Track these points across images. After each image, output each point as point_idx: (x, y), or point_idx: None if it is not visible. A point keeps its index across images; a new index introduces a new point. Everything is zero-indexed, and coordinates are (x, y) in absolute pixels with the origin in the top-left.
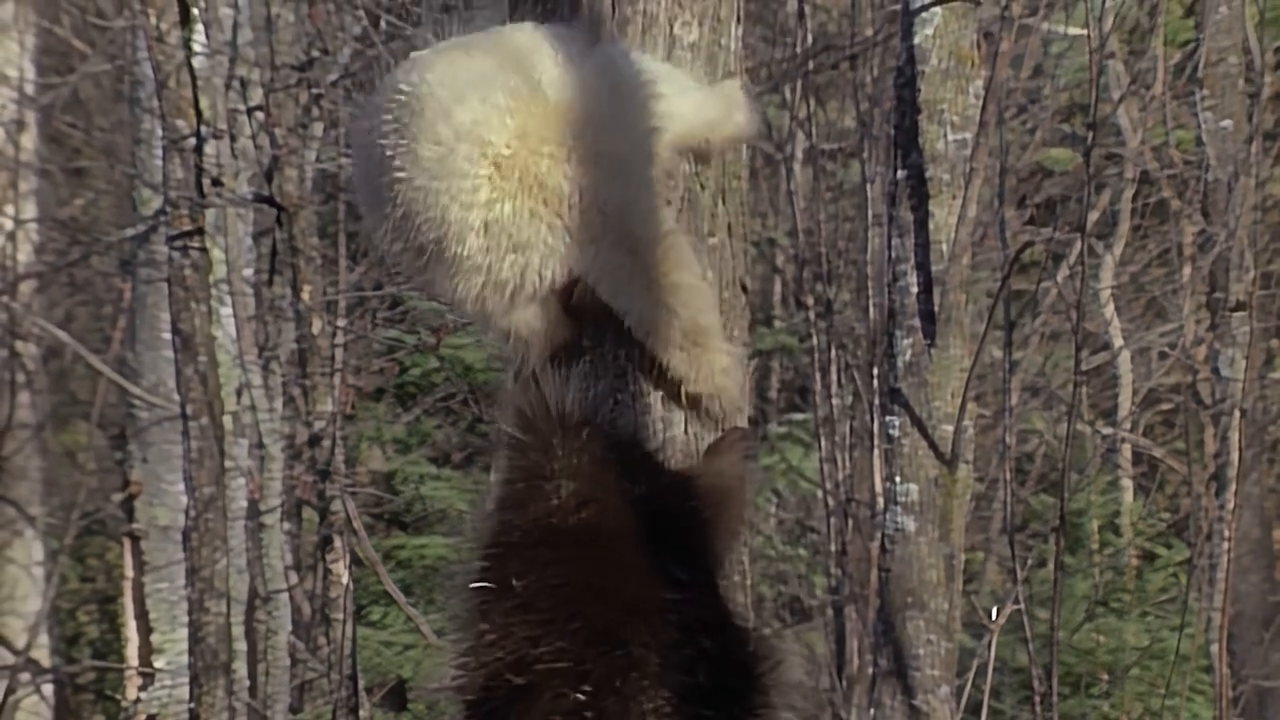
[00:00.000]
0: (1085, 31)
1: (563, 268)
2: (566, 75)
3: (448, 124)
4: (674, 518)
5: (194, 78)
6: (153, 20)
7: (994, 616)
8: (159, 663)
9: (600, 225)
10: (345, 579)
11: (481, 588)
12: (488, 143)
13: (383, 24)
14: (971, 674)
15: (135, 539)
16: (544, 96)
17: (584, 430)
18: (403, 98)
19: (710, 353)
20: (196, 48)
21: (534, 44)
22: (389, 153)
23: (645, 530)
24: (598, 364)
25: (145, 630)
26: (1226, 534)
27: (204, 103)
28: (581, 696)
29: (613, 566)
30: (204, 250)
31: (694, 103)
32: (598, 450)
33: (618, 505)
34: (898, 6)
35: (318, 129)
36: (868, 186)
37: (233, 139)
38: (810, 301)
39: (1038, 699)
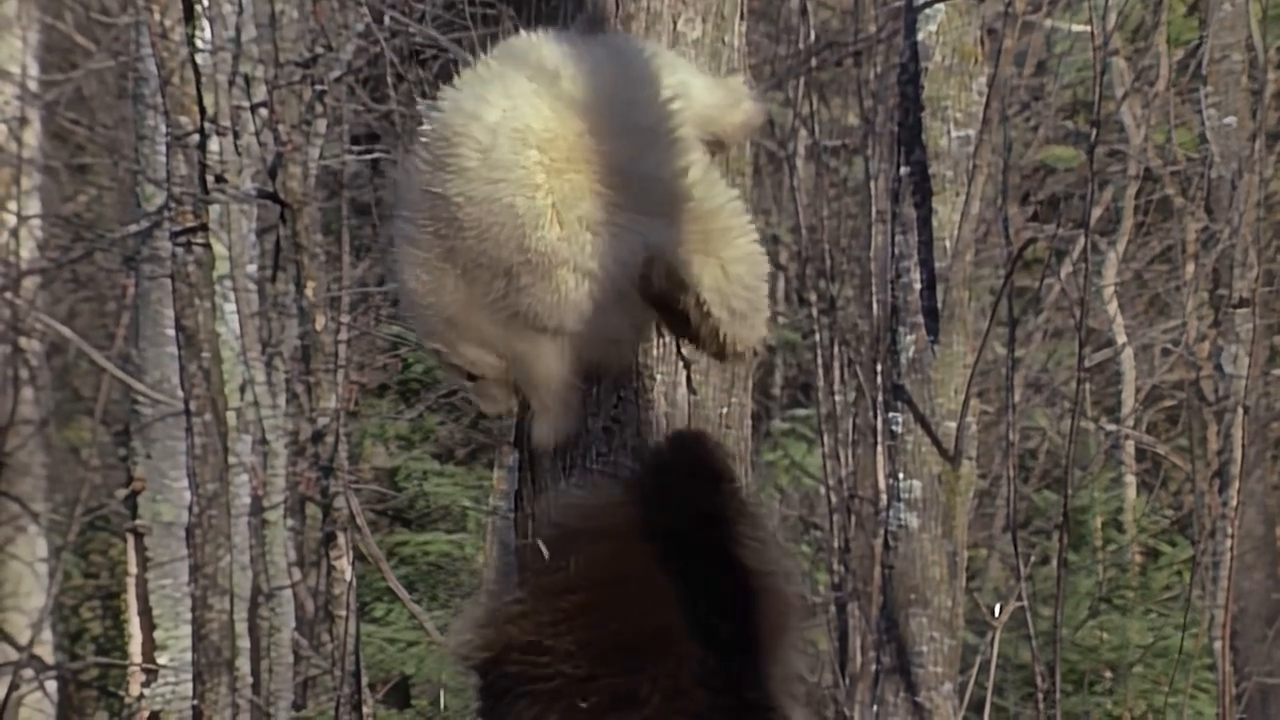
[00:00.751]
0: (1089, 28)
1: (638, 247)
2: (579, 60)
3: (481, 126)
4: (729, 582)
5: (198, 74)
6: (156, 16)
7: (997, 613)
8: (162, 659)
9: (661, 197)
10: (348, 575)
11: (535, 552)
12: (526, 128)
13: (386, 20)
14: (974, 671)
15: (139, 535)
16: (562, 81)
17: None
18: (430, 136)
19: (762, 313)
20: (200, 44)
21: (538, 41)
22: (440, 189)
23: (700, 577)
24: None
25: (148, 627)
26: (1230, 531)
27: (207, 99)
28: (582, 705)
29: (660, 591)
30: (207, 246)
31: (704, 83)
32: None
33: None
34: (901, 3)
35: (321, 125)
36: (871, 183)
37: (236, 135)
38: (813, 298)
39: (1041, 696)
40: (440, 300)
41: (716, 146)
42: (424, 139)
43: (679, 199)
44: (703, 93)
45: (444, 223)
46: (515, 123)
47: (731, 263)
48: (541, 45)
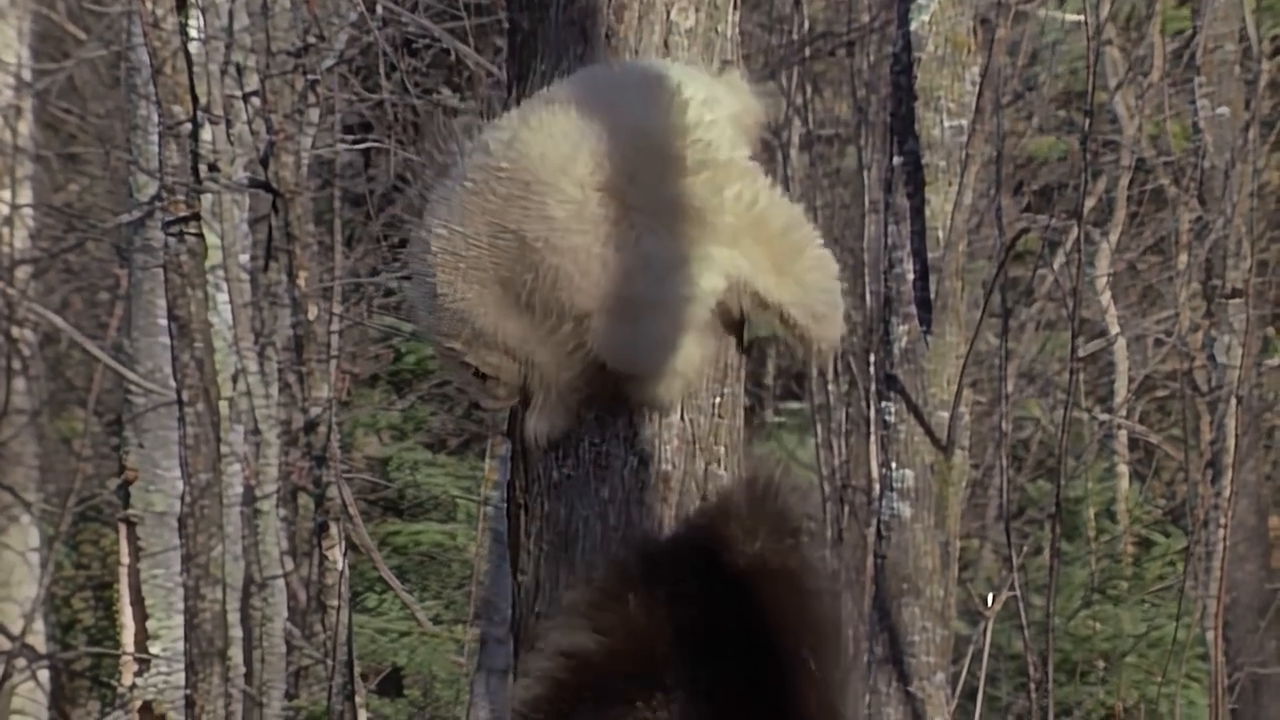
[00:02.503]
0: (1082, 18)
1: (719, 280)
2: (638, 99)
3: (570, 181)
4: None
5: (190, 63)
6: (148, 5)
7: (990, 603)
8: (155, 649)
9: (731, 227)
10: (341, 565)
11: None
12: (614, 187)
13: (379, 9)
14: (967, 661)
15: (131, 525)
16: (630, 122)
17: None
18: (500, 172)
19: (840, 309)
20: (192, 33)
21: (597, 75)
22: (515, 228)
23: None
24: None
25: (141, 616)
26: (1223, 521)
27: (200, 88)
28: None
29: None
30: (200, 236)
31: (725, 93)
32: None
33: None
34: None
35: (314, 115)
36: (864, 173)
37: (229, 125)
38: None
39: (1033, 686)
40: (474, 312)
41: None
42: (491, 169)
43: (748, 225)
44: (730, 103)
45: (509, 257)
46: (601, 178)
47: (807, 273)
48: (603, 81)
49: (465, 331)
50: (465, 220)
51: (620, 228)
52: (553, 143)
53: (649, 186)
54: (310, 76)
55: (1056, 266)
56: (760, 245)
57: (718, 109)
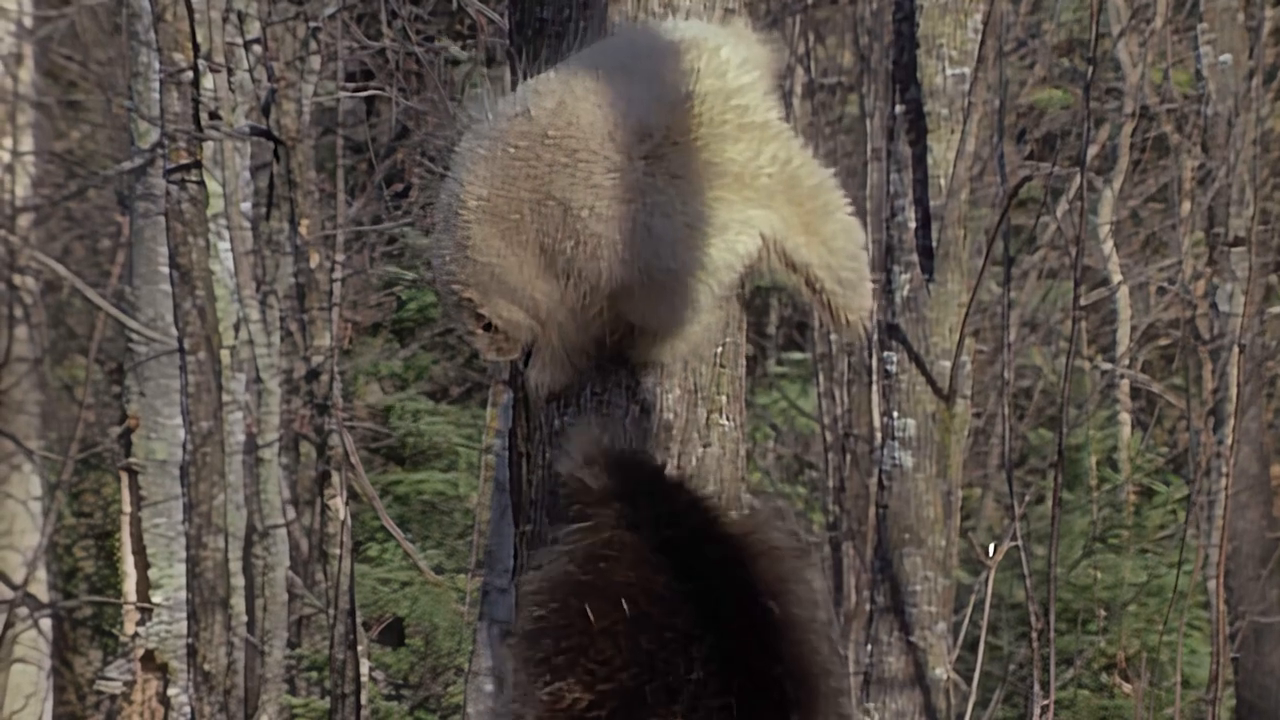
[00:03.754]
0: None
1: (752, 241)
2: (665, 68)
3: (616, 149)
4: (764, 555)
5: (191, 10)
6: None
7: (991, 553)
8: (157, 598)
9: (765, 187)
10: (343, 514)
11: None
12: (658, 153)
13: None
14: (969, 610)
15: (133, 473)
16: (671, 83)
17: (662, 473)
18: (545, 136)
19: (867, 281)
20: None
21: (635, 38)
22: (560, 196)
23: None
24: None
25: (143, 565)
26: (1224, 470)
27: (201, 36)
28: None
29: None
30: (201, 184)
31: (755, 48)
32: (684, 497)
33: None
34: None
35: (315, 62)
36: (866, 121)
37: (230, 72)
38: None
39: (1035, 635)
40: (506, 270)
41: None
42: (537, 136)
43: (782, 186)
44: (761, 60)
45: (552, 224)
46: (646, 146)
47: (834, 237)
48: (642, 41)
49: (491, 285)
50: (508, 184)
51: (666, 195)
52: (600, 111)
53: (692, 152)
54: (312, 24)
55: (1059, 214)
56: (792, 205)
57: (753, 70)
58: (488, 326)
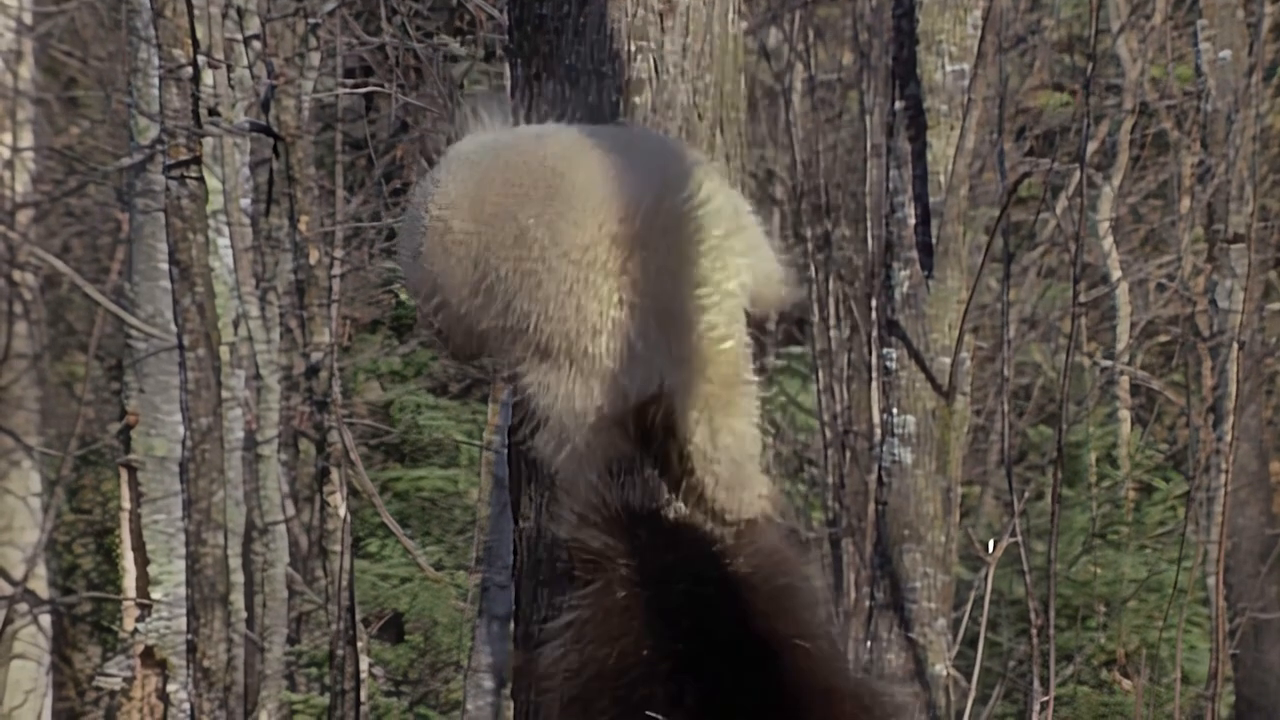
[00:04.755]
0: None
1: (654, 381)
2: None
3: (595, 218)
4: (777, 593)
5: (190, 6)
6: None
7: (991, 549)
8: (156, 594)
9: (693, 346)
10: (343, 511)
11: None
12: (625, 249)
13: None
14: (968, 606)
15: (132, 470)
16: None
17: (661, 520)
18: (541, 173)
19: (751, 489)
20: None
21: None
22: (523, 219)
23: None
24: None
25: (142, 562)
26: (1224, 466)
27: (200, 32)
28: None
29: (750, 653)
30: (201, 180)
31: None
32: (686, 541)
33: (736, 589)
34: None
35: (315, 59)
36: (866, 118)
37: (230, 68)
38: (809, 234)
39: (1035, 631)
40: (445, 281)
41: None
42: (531, 164)
43: (708, 356)
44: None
45: (498, 240)
46: (620, 233)
47: (722, 434)
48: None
49: (434, 294)
50: (477, 196)
51: (614, 284)
52: (600, 180)
53: (653, 267)
54: (311, 20)
55: (1058, 211)
56: (704, 381)
57: (724, 223)
58: (439, 333)
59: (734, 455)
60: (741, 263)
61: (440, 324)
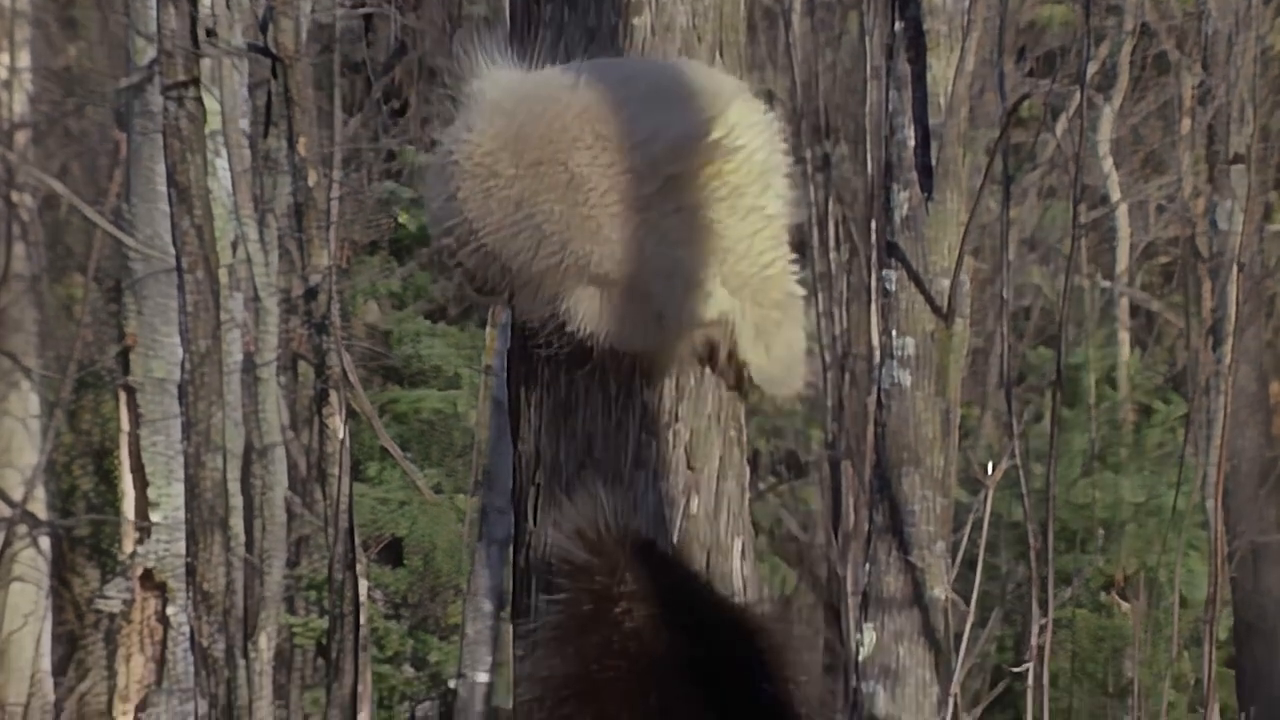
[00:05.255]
0: None
1: (714, 311)
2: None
3: (645, 156)
4: (744, 635)
5: None
6: None
7: (990, 472)
8: (155, 517)
9: (743, 275)
10: (341, 434)
11: None
12: (677, 183)
13: None
14: (967, 530)
15: (131, 392)
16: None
17: (650, 550)
18: (586, 115)
19: (798, 380)
20: None
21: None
22: (574, 166)
23: (726, 651)
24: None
25: (141, 484)
26: (1223, 388)
27: None
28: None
29: (703, 691)
30: (199, 101)
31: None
32: (661, 571)
33: (691, 627)
34: None
35: None
36: (866, 39)
37: None
38: (808, 156)
39: (1033, 554)
40: (483, 225)
41: None
42: (574, 104)
43: (756, 284)
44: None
45: (547, 185)
46: (671, 170)
47: (780, 347)
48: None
49: (469, 238)
50: (519, 142)
51: (669, 224)
52: (645, 116)
53: (699, 201)
54: None
55: (1059, 132)
56: (756, 307)
57: (766, 147)
58: (466, 272)
59: (787, 363)
60: (781, 183)
61: (472, 264)
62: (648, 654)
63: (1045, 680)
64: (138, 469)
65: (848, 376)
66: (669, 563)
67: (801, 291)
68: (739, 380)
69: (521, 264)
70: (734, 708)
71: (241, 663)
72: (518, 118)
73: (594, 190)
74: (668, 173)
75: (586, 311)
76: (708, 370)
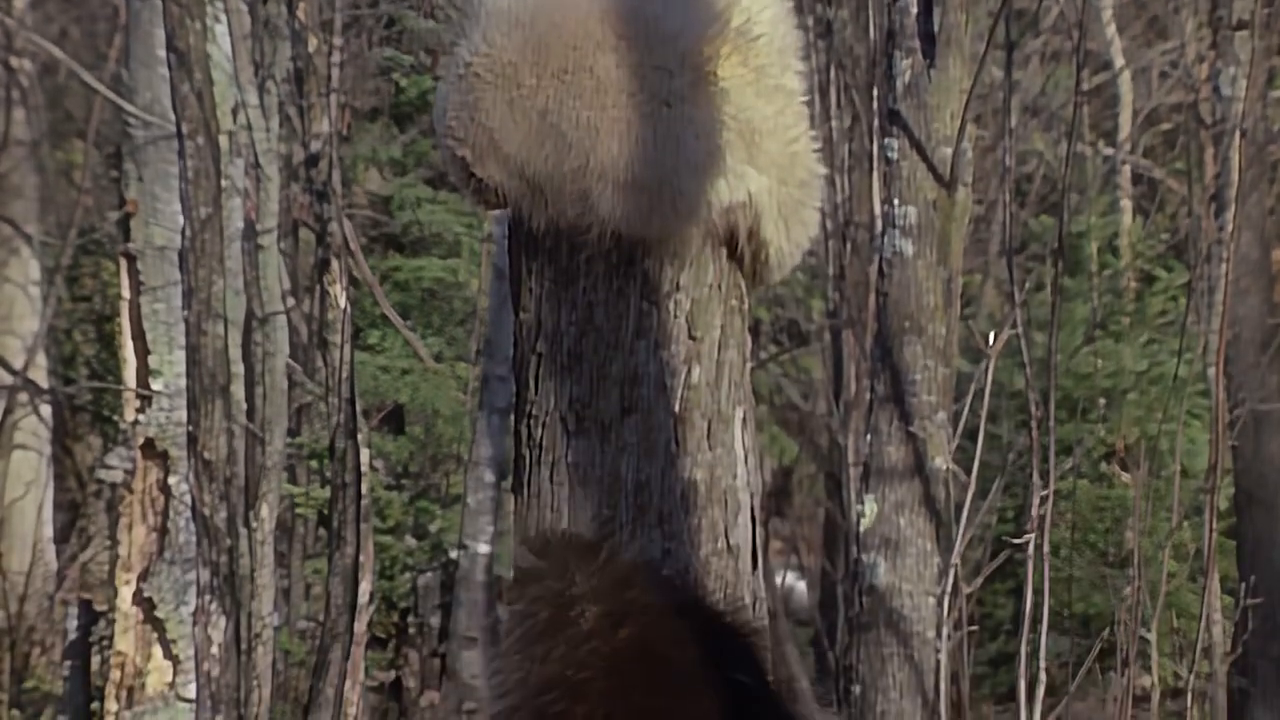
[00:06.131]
0: None
1: (742, 193)
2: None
3: (673, 51)
4: (715, 626)
5: None
6: None
7: (991, 340)
8: (156, 385)
9: (771, 155)
10: (343, 301)
11: None
12: (706, 78)
13: None
14: (969, 399)
15: (131, 258)
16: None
17: (600, 550)
18: (610, 18)
19: (799, 254)
20: None
21: None
22: (600, 71)
23: (694, 639)
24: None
25: (142, 352)
26: (1225, 255)
27: None
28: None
29: (671, 682)
30: None
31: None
32: (618, 570)
33: (654, 619)
34: None
35: None
36: None
37: None
38: (809, 21)
39: (1035, 424)
40: (504, 135)
41: None
42: (595, 11)
43: (783, 161)
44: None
45: (573, 93)
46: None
47: (797, 226)
48: None
49: (488, 149)
50: (540, 51)
51: (696, 114)
52: (669, 13)
53: (720, 89)
54: None
55: None
56: (782, 185)
57: (779, 26)
58: (480, 183)
59: (800, 242)
60: (797, 62)
61: (491, 175)
62: (612, 652)
63: (1046, 550)
64: (138, 336)
65: (849, 245)
66: (617, 560)
67: (823, 170)
68: (754, 262)
69: (545, 173)
70: (708, 700)
71: (243, 532)
72: (537, 28)
73: (623, 92)
74: (696, 64)
75: (608, 210)
76: (723, 251)
